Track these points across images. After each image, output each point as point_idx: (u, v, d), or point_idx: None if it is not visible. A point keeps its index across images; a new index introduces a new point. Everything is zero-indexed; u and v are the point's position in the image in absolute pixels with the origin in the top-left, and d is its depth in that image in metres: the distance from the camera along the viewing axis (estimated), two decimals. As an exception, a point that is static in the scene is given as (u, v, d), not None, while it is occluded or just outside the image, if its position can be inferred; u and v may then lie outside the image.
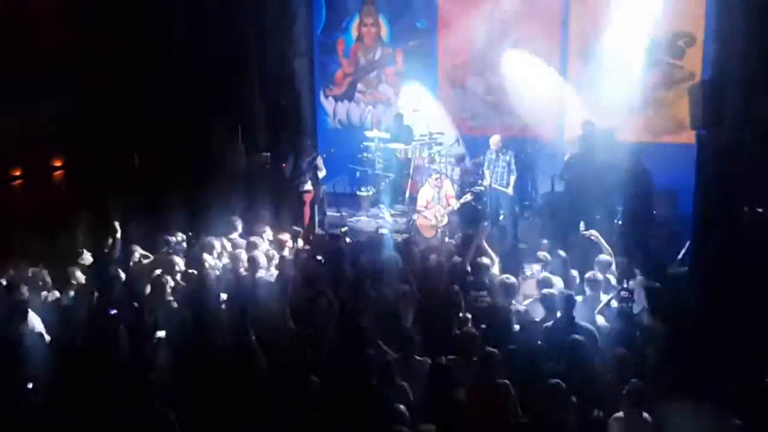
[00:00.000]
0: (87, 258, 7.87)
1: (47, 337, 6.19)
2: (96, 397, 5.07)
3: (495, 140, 10.41)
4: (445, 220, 9.91)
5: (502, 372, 5.24)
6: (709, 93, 7.76)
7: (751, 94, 7.41)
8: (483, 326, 6.06)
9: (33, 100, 10.41)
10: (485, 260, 7.27)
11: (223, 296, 6.86)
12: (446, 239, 9.69)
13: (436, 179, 10.05)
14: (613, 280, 7.02)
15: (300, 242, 8.65)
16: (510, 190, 10.28)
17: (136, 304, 6.58)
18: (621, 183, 8.77)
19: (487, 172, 10.31)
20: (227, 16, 11.35)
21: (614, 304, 6.58)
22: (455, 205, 9.90)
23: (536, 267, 7.43)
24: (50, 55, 10.26)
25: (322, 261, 7.62)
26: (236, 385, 5.24)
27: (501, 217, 10.39)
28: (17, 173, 11.22)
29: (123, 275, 7.28)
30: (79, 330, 6.24)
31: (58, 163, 11.83)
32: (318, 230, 10.36)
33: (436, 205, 9.94)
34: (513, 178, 10.32)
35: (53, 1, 10.70)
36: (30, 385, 5.28)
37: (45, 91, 10.68)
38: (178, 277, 7.16)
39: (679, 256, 8.71)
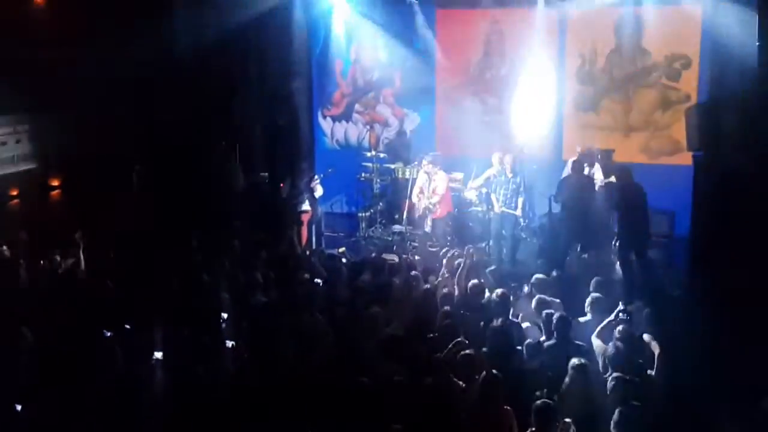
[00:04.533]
0: None
1: None
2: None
3: (507, 159, 9.80)
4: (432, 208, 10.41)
5: (503, 394, 5.15)
6: (705, 115, 7.80)
7: (746, 115, 7.44)
8: (484, 349, 5.99)
9: (32, 117, 10.44)
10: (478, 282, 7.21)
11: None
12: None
13: (428, 164, 10.31)
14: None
15: None
16: (519, 212, 9.93)
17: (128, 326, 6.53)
18: (615, 201, 8.67)
19: (493, 196, 9.93)
20: (226, 38, 11.40)
21: (614, 326, 6.51)
22: (431, 200, 10.30)
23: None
24: (49, 74, 10.31)
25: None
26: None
27: (494, 244, 10.22)
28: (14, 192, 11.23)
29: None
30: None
31: (55, 183, 11.85)
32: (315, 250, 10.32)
33: (423, 197, 10.42)
34: (521, 200, 9.88)
35: (53, 18, 10.77)
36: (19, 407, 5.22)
37: (43, 108, 10.73)
38: None
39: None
